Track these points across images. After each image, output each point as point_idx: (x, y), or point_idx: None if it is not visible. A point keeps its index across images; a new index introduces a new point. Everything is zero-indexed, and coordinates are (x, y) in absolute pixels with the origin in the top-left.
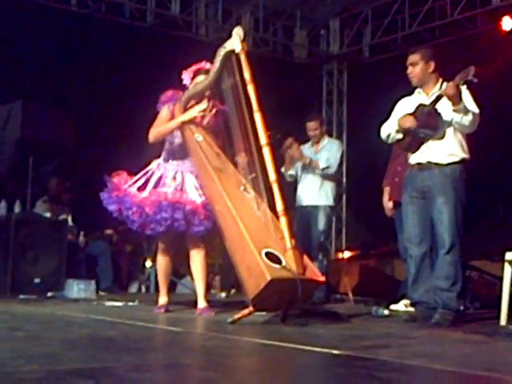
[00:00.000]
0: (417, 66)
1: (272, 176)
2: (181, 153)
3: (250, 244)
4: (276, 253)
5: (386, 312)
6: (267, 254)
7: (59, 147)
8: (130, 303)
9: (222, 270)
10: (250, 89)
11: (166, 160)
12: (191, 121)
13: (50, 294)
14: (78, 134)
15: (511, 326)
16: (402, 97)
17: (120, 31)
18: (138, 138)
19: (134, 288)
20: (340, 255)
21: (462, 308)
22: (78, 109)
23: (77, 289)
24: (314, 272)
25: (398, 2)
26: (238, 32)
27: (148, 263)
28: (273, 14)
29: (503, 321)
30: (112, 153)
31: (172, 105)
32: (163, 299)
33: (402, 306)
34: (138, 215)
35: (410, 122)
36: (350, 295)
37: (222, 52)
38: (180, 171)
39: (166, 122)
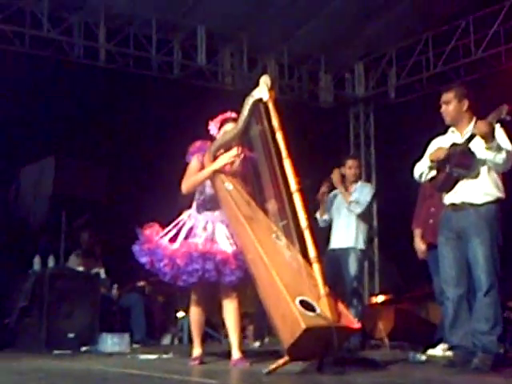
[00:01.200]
0: (450, 105)
1: (303, 222)
2: (212, 203)
3: (283, 292)
4: (310, 300)
5: (424, 357)
6: (301, 302)
7: (91, 201)
8: (164, 356)
9: (255, 318)
10: (279, 136)
11: (198, 210)
12: (221, 170)
13: (84, 348)
14: (110, 187)
15: None
16: (435, 136)
17: (148, 84)
18: (168, 189)
19: (167, 340)
20: (374, 300)
21: (502, 351)
22: (110, 163)
23: (111, 342)
24: (349, 319)
25: (421, 43)
26: (265, 81)
27: (180, 314)
28: (297, 60)
29: None
30: (143, 205)
31: (201, 155)
32: (197, 351)
33: (439, 350)
34: (170, 267)
35: (441, 153)
36: (386, 340)
37: (249, 101)
38: (211, 221)
39: (196, 172)
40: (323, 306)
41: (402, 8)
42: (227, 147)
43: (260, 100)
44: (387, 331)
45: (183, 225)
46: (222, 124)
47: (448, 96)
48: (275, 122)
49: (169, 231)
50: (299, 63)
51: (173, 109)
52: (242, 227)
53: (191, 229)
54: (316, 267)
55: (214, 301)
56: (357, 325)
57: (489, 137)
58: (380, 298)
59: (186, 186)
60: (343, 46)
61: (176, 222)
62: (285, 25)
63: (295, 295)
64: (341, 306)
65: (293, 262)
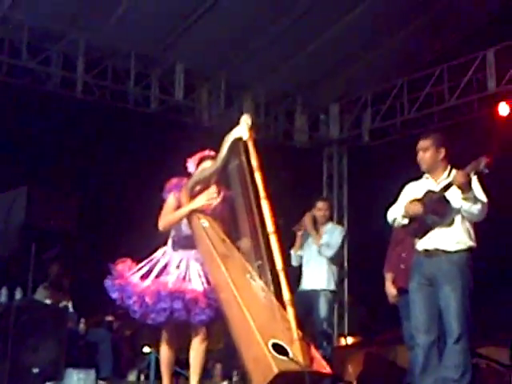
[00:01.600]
0: (427, 152)
1: (279, 265)
2: (187, 241)
3: (256, 335)
4: (283, 344)
5: None
6: (274, 346)
7: (62, 234)
8: None
9: (223, 356)
10: (258, 176)
11: (173, 248)
12: (198, 207)
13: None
14: (82, 219)
15: None
16: (409, 181)
17: (124, 117)
18: (141, 224)
19: (133, 376)
20: (343, 341)
21: None
22: (82, 195)
23: (76, 378)
24: (321, 363)
25: (396, 88)
26: (246, 119)
27: (146, 349)
28: (274, 99)
29: None
30: (115, 239)
31: (178, 192)
32: None
33: None
34: (139, 305)
35: (417, 209)
36: (355, 383)
37: (229, 139)
38: (185, 259)
39: (172, 209)
40: (296, 350)
41: (379, 53)
42: (204, 184)
43: (240, 139)
44: (356, 374)
45: (157, 262)
46: (200, 161)
47: (426, 143)
48: (254, 162)
49: (141, 267)
50: (276, 102)
51: (148, 143)
52: (215, 265)
53: (165, 266)
54: (290, 310)
55: (185, 339)
56: (328, 370)
57: (466, 187)
58: (349, 340)
59: (163, 223)
60: (320, 86)
61: (150, 258)
62: (262, 64)
63: (268, 338)
64: (313, 350)
65: (267, 303)
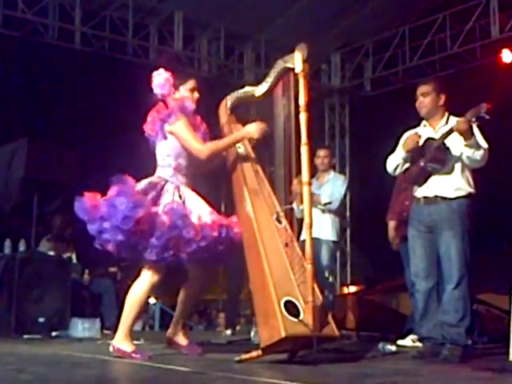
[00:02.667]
0: (428, 97)
1: (307, 218)
2: (190, 168)
3: (271, 289)
4: (296, 302)
5: (394, 348)
6: (287, 303)
7: (63, 185)
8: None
9: (227, 306)
10: (303, 117)
11: (175, 176)
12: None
13: (54, 333)
14: (83, 170)
15: None
16: (408, 129)
17: (123, 68)
18: (143, 169)
19: (138, 326)
20: (345, 290)
21: (470, 343)
22: (82, 145)
23: (81, 328)
24: (331, 327)
25: (398, 37)
26: (300, 49)
27: (151, 300)
28: (274, 49)
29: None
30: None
31: (185, 116)
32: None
33: (409, 341)
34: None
35: (413, 140)
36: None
37: (280, 66)
38: (184, 188)
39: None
40: (308, 312)
41: (380, 1)
42: (243, 104)
43: (291, 69)
44: (358, 322)
45: (161, 189)
46: (175, 81)
47: (427, 88)
48: (302, 100)
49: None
50: (276, 53)
51: (148, 93)
52: (243, 200)
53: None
54: (309, 269)
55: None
56: (337, 334)
57: (468, 134)
58: (351, 289)
59: (208, 151)
60: (321, 36)
61: (151, 183)
62: (262, 14)
63: (282, 294)
64: (325, 313)
65: (288, 250)
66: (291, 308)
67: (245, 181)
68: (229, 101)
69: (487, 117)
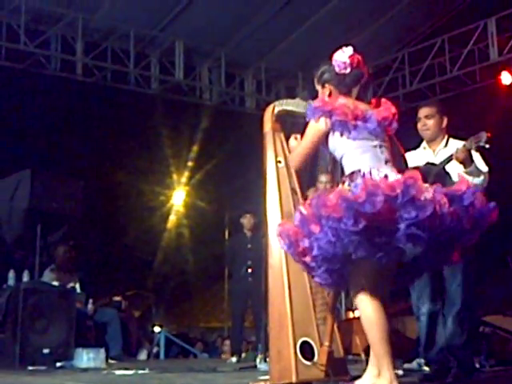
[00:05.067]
0: (432, 119)
1: None
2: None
3: (289, 330)
4: (312, 343)
5: (401, 372)
6: (302, 344)
7: (67, 215)
8: (141, 371)
9: (232, 333)
10: None
11: None
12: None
13: (59, 364)
14: (86, 201)
15: None
16: (407, 151)
17: (125, 98)
18: (141, 203)
19: (143, 355)
20: (350, 315)
21: (477, 366)
22: (86, 177)
23: (86, 358)
24: (344, 368)
25: (397, 61)
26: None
27: (157, 329)
28: (275, 76)
29: None
30: (121, 220)
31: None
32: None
33: (416, 365)
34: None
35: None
36: (363, 356)
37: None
38: None
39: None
40: (322, 355)
41: (380, 26)
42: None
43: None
44: (363, 346)
45: None
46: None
47: (431, 110)
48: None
49: None
50: (277, 79)
51: (151, 123)
52: (275, 223)
53: None
54: (330, 316)
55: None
56: (348, 374)
57: (467, 162)
58: (357, 313)
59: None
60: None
61: None
62: (263, 41)
63: (300, 335)
64: (340, 351)
65: (311, 284)
66: (306, 349)
67: (280, 200)
68: (276, 107)
69: (487, 146)
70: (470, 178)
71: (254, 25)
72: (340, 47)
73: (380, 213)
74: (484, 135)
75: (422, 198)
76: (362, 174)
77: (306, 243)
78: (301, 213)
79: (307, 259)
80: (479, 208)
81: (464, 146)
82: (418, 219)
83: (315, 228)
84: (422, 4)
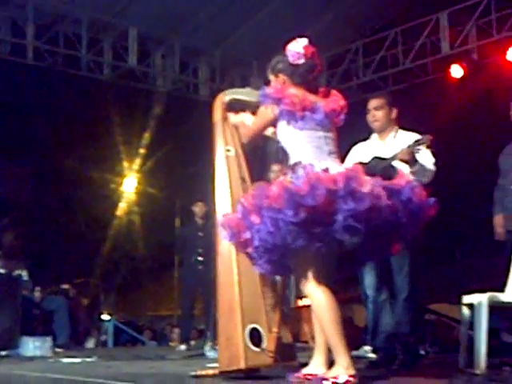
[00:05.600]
0: (381, 110)
1: None
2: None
3: (238, 316)
4: (261, 330)
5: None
6: (251, 331)
7: (14, 201)
8: (88, 359)
9: (181, 321)
10: None
11: None
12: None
13: (4, 352)
14: (35, 188)
15: (470, 370)
16: (358, 142)
17: (77, 84)
18: (97, 189)
19: (91, 343)
20: (300, 302)
21: (422, 352)
22: (35, 163)
23: (32, 346)
24: (293, 353)
25: (351, 51)
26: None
27: (105, 316)
28: (230, 64)
29: (462, 365)
30: (70, 207)
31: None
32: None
33: (363, 352)
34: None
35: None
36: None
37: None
38: None
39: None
40: (271, 341)
41: (334, 17)
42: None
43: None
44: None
45: None
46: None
47: (380, 102)
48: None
49: None
50: (231, 68)
51: (102, 109)
52: (224, 207)
53: None
54: (278, 301)
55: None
56: (297, 361)
57: (411, 162)
58: (306, 301)
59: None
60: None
61: None
62: (218, 28)
63: (249, 322)
64: (288, 338)
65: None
66: (255, 336)
67: (229, 189)
68: (226, 96)
69: (428, 149)
70: (414, 178)
71: (209, 12)
72: (294, 38)
73: (320, 205)
74: (426, 138)
75: (362, 191)
76: (303, 165)
77: (247, 234)
78: (242, 204)
79: (249, 250)
80: (417, 202)
81: (408, 146)
82: (356, 211)
83: (256, 219)
84: None
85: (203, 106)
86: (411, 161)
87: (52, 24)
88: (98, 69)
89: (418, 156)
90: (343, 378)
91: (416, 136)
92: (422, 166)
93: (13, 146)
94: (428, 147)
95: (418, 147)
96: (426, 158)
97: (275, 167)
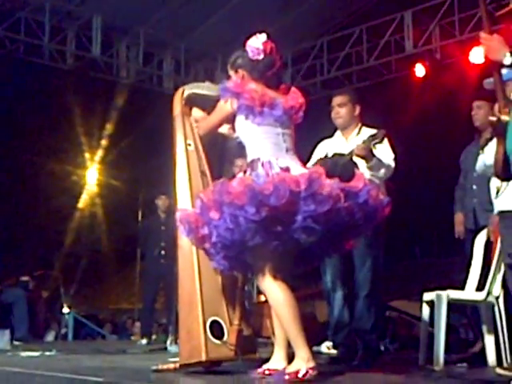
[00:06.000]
0: (344, 107)
1: None
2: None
3: (198, 308)
4: (222, 323)
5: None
6: (212, 323)
7: None
8: (47, 353)
9: (143, 315)
10: None
11: None
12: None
13: None
14: None
15: (429, 367)
16: (323, 139)
17: (38, 73)
18: (52, 182)
19: (50, 336)
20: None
21: (382, 349)
22: None
23: None
24: (254, 346)
25: (316, 48)
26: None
27: (65, 310)
28: (194, 57)
29: (422, 361)
30: (29, 199)
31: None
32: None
33: (324, 348)
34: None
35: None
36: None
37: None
38: None
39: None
40: (232, 334)
41: (300, 12)
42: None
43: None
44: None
45: None
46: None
47: (343, 98)
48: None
49: None
50: (196, 60)
51: (64, 99)
52: (184, 200)
53: None
54: (239, 294)
55: None
56: (256, 355)
57: (368, 157)
58: None
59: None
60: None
61: None
62: (183, 21)
63: (209, 314)
64: (249, 332)
65: None
66: (216, 329)
67: (189, 182)
68: (186, 90)
69: (383, 142)
70: (371, 173)
71: (175, 4)
72: (255, 33)
73: (282, 205)
74: (380, 133)
75: (323, 194)
76: (261, 162)
77: (205, 230)
78: (201, 200)
79: (206, 245)
80: (373, 204)
81: (363, 142)
82: (315, 213)
83: (215, 215)
84: None
85: (167, 99)
86: (367, 156)
87: (13, 10)
88: (60, 58)
89: (376, 152)
90: (303, 370)
91: (373, 132)
92: (379, 160)
93: None
94: (382, 140)
95: (373, 142)
96: (386, 153)
97: (239, 162)
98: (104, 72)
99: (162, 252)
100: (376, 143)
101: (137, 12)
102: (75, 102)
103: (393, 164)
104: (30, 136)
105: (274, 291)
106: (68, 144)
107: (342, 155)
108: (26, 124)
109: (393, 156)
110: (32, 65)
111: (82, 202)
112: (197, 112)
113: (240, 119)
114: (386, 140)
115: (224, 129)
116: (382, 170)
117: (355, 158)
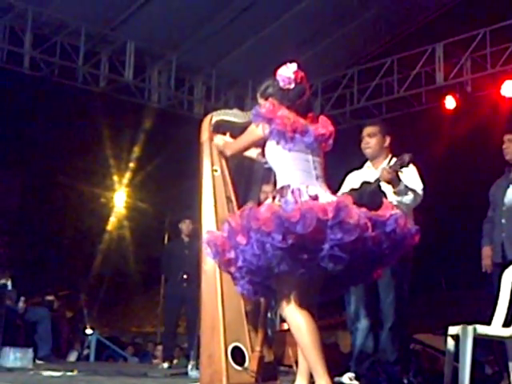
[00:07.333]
0: (374, 138)
1: None
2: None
3: (220, 333)
4: (243, 349)
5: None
6: (234, 349)
7: (2, 210)
8: (69, 373)
9: (165, 339)
10: None
11: None
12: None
13: None
14: (24, 198)
15: None
16: (352, 170)
17: (72, 96)
18: (81, 203)
19: (73, 356)
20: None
21: (405, 382)
22: (26, 174)
23: (13, 357)
24: (274, 373)
25: (346, 77)
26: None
27: (89, 331)
28: (225, 83)
29: None
30: (59, 218)
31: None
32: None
33: (346, 378)
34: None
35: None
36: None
37: None
38: None
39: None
40: (253, 361)
41: (331, 42)
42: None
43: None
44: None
45: None
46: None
47: (373, 129)
48: None
49: None
50: (227, 87)
51: (96, 122)
52: (209, 227)
53: None
54: (261, 320)
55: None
56: (278, 382)
57: (394, 182)
58: None
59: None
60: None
61: None
62: (216, 47)
63: (231, 340)
64: (270, 360)
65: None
66: (238, 355)
67: (215, 208)
68: (214, 117)
69: (409, 166)
70: (398, 198)
71: (207, 30)
72: (286, 62)
73: (309, 233)
74: (407, 157)
75: (351, 222)
76: (291, 189)
77: (231, 254)
78: (229, 224)
79: (232, 269)
80: (401, 233)
81: (389, 167)
82: (342, 241)
83: (242, 239)
84: (374, 24)
85: (196, 124)
86: (394, 180)
87: (50, 34)
88: (93, 81)
89: (403, 176)
90: None
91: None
92: (405, 186)
93: (3, 156)
94: (408, 164)
95: (400, 165)
96: (413, 178)
97: (267, 188)
98: (135, 96)
99: (185, 276)
100: (403, 166)
101: (169, 38)
102: (106, 125)
103: (421, 192)
104: (61, 157)
105: (296, 318)
106: (98, 166)
107: (369, 183)
108: (58, 145)
109: (421, 186)
110: (65, 87)
111: (110, 224)
112: (218, 139)
113: (271, 144)
114: (413, 166)
115: (253, 153)
116: (410, 196)
117: (382, 184)
